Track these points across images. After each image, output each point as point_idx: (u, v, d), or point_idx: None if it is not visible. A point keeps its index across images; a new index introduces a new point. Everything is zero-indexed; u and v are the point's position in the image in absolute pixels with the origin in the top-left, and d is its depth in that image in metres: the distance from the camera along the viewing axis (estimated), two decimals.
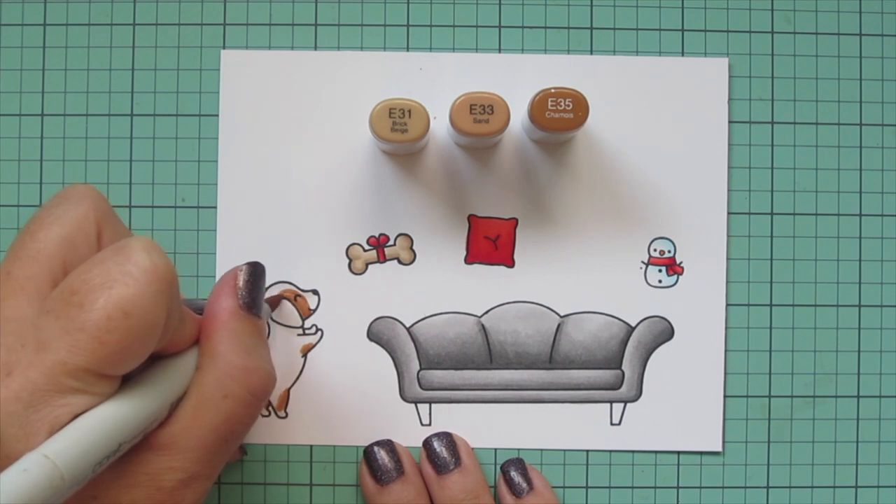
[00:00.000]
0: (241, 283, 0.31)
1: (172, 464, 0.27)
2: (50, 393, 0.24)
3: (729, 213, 0.38)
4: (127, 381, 0.27)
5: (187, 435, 0.28)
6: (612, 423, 0.38)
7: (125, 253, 0.25)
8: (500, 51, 0.38)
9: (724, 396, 0.38)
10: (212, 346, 0.29)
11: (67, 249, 0.27)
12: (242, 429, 0.29)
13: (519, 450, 0.38)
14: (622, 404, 0.38)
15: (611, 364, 0.38)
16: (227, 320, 0.30)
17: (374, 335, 0.38)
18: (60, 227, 0.27)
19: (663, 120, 0.38)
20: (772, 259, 0.38)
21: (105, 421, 0.25)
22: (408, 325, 0.38)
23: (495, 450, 0.38)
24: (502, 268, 0.38)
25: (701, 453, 0.38)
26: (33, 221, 0.28)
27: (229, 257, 0.38)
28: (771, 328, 0.38)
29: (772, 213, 0.38)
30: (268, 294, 0.37)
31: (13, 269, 0.26)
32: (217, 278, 0.37)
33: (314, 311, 0.38)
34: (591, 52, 0.38)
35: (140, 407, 0.26)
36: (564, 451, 0.38)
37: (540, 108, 0.34)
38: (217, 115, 0.38)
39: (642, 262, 0.38)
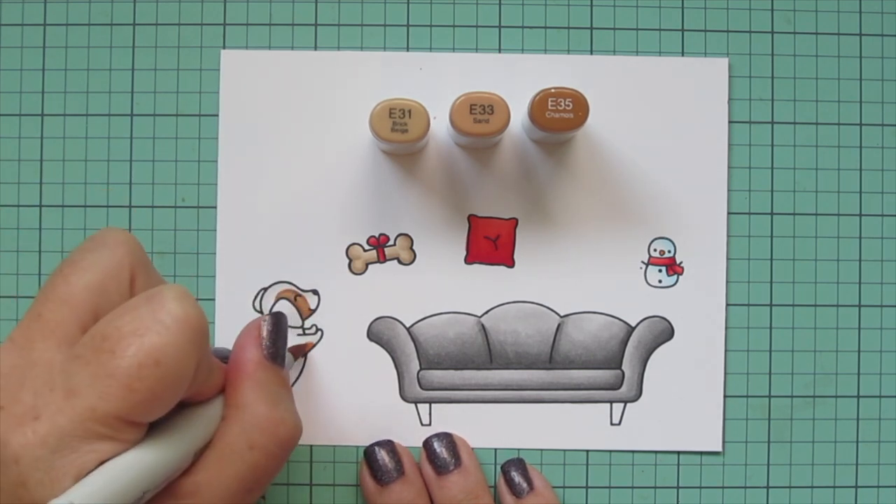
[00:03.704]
0: (264, 333, 0.31)
1: None
2: (78, 439, 0.24)
3: (729, 213, 0.38)
4: (152, 429, 0.27)
5: (211, 485, 0.27)
6: (612, 423, 0.38)
7: (158, 301, 0.25)
8: (500, 51, 0.38)
9: (724, 396, 0.38)
10: (238, 397, 0.29)
11: (99, 296, 0.27)
12: (267, 479, 0.29)
13: (519, 450, 0.38)
14: (622, 404, 0.38)
15: (611, 364, 0.38)
16: (253, 371, 0.30)
17: (374, 335, 0.38)
18: (94, 273, 0.27)
19: (663, 120, 0.38)
20: (772, 259, 0.38)
21: (130, 468, 0.25)
22: (408, 325, 0.38)
23: (495, 450, 0.38)
24: (502, 268, 0.38)
25: (701, 453, 0.38)
26: (67, 264, 0.27)
27: (229, 257, 0.38)
28: (771, 328, 0.38)
29: (772, 213, 0.38)
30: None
31: (44, 312, 0.26)
32: (217, 278, 0.37)
33: (314, 311, 0.38)
34: (591, 52, 0.38)
35: (165, 455, 0.26)
36: (564, 451, 0.38)
37: (540, 108, 0.34)
38: (217, 115, 0.38)
39: (642, 262, 0.38)
